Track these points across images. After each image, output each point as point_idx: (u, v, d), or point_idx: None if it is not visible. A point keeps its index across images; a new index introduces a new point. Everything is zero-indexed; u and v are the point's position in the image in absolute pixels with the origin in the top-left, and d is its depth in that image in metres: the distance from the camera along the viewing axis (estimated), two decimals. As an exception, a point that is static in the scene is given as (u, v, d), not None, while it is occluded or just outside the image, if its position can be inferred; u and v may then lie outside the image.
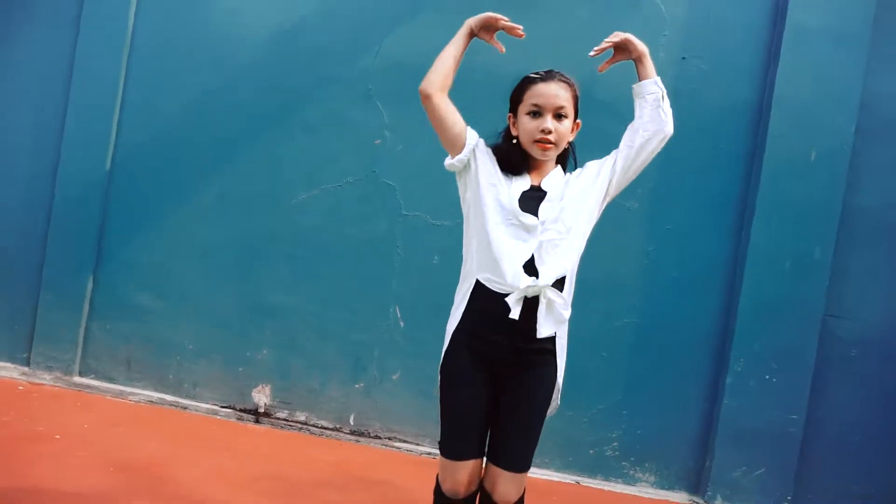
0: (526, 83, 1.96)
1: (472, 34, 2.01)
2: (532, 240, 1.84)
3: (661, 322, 3.60)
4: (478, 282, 1.87)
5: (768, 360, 3.48)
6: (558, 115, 1.89)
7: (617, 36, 1.98)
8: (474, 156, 1.95)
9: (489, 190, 1.90)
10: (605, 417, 3.60)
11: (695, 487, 3.59)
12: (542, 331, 1.83)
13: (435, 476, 1.98)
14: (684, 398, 3.60)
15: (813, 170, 3.47)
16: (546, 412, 1.91)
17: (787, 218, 3.46)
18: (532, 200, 1.88)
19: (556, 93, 1.89)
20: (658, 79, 1.97)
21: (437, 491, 1.96)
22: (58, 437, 3.08)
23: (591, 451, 3.62)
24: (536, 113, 1.89)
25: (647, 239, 3.60)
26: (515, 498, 1.88)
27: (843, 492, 3.54)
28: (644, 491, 3.58)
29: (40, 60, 3.84)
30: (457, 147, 1.95)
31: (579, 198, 1.90)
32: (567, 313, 1.89)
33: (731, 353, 3.50)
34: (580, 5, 3.65)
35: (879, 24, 3.48)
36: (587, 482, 3.58)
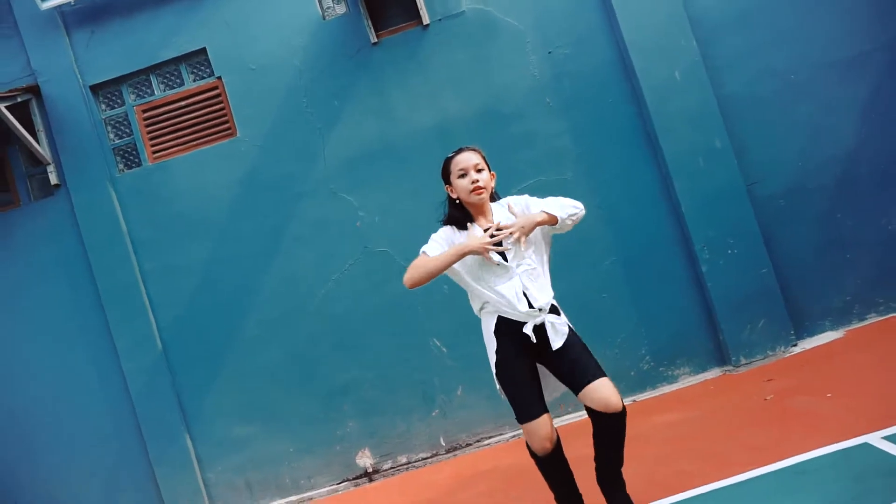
0: (448, 161, 2.69)
1: (464, 256, 2.53)
2: (514, 278, 2.55)
3: (634, 251, 4.36)
4: (500, 317, 2.59)
5: (724, 239, 4.26)
6: (479, 170, 2.63)
7: (514, 233, 2.49)
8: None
9: (470, 269, 2.57)
10: (630, 341, 4.34)
11: (721, 360, 4.34)
12: (555, 345, 2.53)
13: (525, 446, 2.64)
14: (680, 297, 4.35)
15: (682, 84, 4.30)
16: (581, 342, 2.60)
17: (683, 128, 4.27)
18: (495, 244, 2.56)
19: (469, 157, 2.64)
20: (558, 213, 2.56)
21: (533, 455, 2.62)
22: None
23: (632, 373, 4.35)
24: (463, 175, 2.62)
25: (589, 194, 4.35)
26: (617, 400, 2.48)
27: (827, 308, 4.32)
28: (686, 381, 4.32)
29: (69, 288, 4.52)
30: None
31: (530, 236, 2.59)
32: (566, 325, 2.60)
33: (696, 246, 4.27)
34: (458, 51, 4.45)
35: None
36: (641, 397, 4.30)
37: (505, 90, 4.43)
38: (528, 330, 2.54)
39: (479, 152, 2.67)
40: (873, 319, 4.30)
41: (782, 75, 4.36)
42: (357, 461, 4.41)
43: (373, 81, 4.45)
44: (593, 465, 2.62)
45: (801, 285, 4.33)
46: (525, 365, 2.59)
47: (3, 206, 4.64)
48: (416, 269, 2.57)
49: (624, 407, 2.50)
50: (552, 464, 2.59)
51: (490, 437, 4.36)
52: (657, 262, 4.37)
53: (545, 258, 2.68)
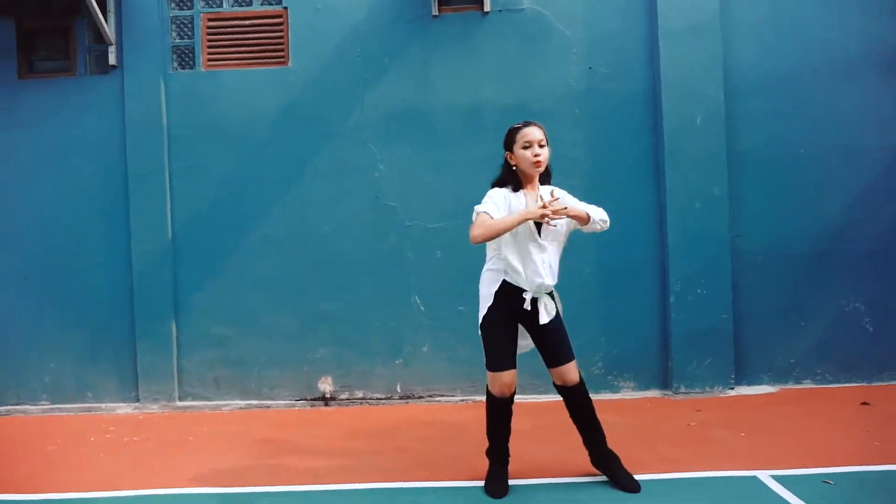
0: (514, 131, 3.01)
1: (526, 221, 2.83)
2: (542, 253, 2.94)
3: (615, 266, 4.74)
4: (504, 281, 2.98)
5: (698, 278, 4.64)
6: (542, 146, 2.97)
7: (564, 209, 2.81)
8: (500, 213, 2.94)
9: (515, 232, 2.92)
10: (588, 345, 4.73)
11: (663, 384, 4.74)
12: (542, 320, 2.96)
13: (484, 409, 3.07)
14: (643, 319, 4.74)
15: (701, 130, 4.64)
16: (563, 327, 3.04)
17: (690, 169, 4.62)
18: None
19: (536, 132, 2.98)
20: (593, 215, 2.96)
21: (490, 397, 3.05)
22: (191, 438, 4.13)
23: (582, 373, 4.74)
24: (528, 146, 2.96)
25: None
26: (575, 376, 3.03)
27: (769, 364, 4.72)
28: (627, 395, 4.73)
29: (100, 164, 4.87)
30: None
31: (561, 221, 2.96)
32: (555, 308, 3.02)
33: (670, 278, 4.65)
34: (509, 43, 4.76)
35: (724, 14, 4.67)
36: (584, 397, 4.71)
37: (540, 90, 4.75)
38: (526, 297, 2.94)
39: (543, 129, 2.99)
40: (808, 385, 4.70)
41: (792, 146, 4.70)
42: (319, 385, 4.82)
43: (424, 50, 4.76)
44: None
45: (753, 337, 4.71)
46: (509, 325, 3.00)
47: (60, 72, 4.96)
48: (483, 228, 2.79)
49: (581, 379, 3.07)
50: (501, 408, 3.04)
51: (442, 396, 4.77)
52: (632, 283, 4.74)
53: (561, 249, 3.07)
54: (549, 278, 2.98)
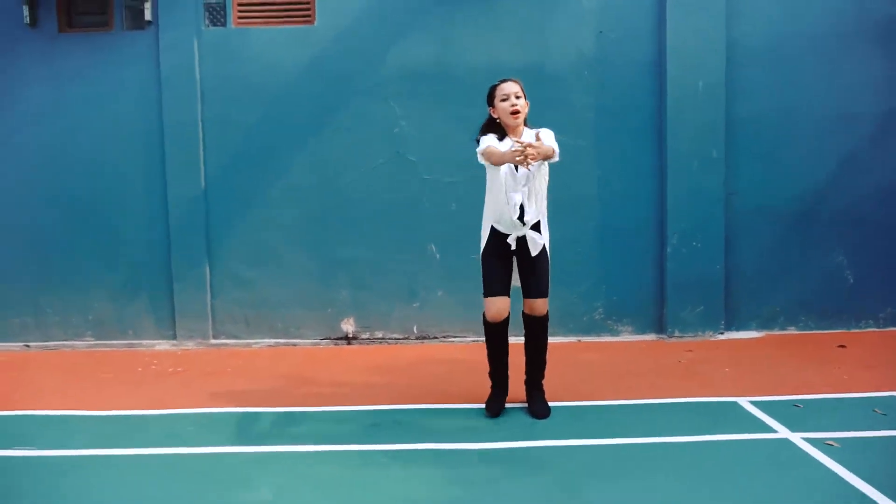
0: (494, 88, 3.42)
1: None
2: (517, 193, 3.28)
3: (616, 220, 5.11)
4: (492, 227, 3.38)
5: (694, 233, 5.02)
6: (517, 97, 3.34)
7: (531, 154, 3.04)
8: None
9: (502, 171, 3.31)
10: (590, 292, 5.15)
11: (659, 329, 5.17)
12: (532, 252, 3.34)
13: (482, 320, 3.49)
14: (642, 268, 5.14)
15: (702, 96, 4.95)
16: (547, 266, 3.41)
17: (690, 132, 4.95)
18: None
19: (512, 86, 3.35)
20: (556, 149, 3.26)
21: (485, 322, 3.46)
22: (228, 369, 4.57)
23: (584, 318, 5.18)
24: (505, 99, 3.34)
25: (595, 165, 5.08)
26: (545, 310, 3.42)
27: (757, 312, 5.14)
28: (626, 338, 5.16)
29: (137, 114, 5.19)
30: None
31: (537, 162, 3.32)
32: (542, 239, 3.37)
33: (668, 232, 5.03)
34: (529, 6, 5.03)
35: (731, -14, 4.96)
36: (585, 339, 5.15)
37: (554, 54, 5.05)
38: (510, 241, 3.34)
39: (520, 83, 3.38)
40: (791, 331, 5.14)
41: (787, 113, 5.03)
42: (341, 325, 5.24)
43: (446, 11, 5.03)
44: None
45: (742, 288, 5.12)
46: (502, 259, 3.40)
47: (97, 26, 5.23)
48: (493, 154, 3.21)
49: (546, 315, 3.43)
50: (495, 331, 3.45)
51: (455, 337, 5.20)
52: (631, 236, 5.12)
53: (544, 186, 3.42)
54: (529, 215, 3.30)
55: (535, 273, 3.39)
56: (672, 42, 4.92)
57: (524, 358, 3.53)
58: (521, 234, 3.35)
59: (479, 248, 3.48)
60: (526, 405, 3.53)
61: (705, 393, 3.71)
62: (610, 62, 5.04)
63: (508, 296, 3.43)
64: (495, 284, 3.40)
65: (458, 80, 5.06)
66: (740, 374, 4.08)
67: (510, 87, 3.34)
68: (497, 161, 3.22)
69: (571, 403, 3.60)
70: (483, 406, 3.55)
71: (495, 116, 3.40)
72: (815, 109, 5.02)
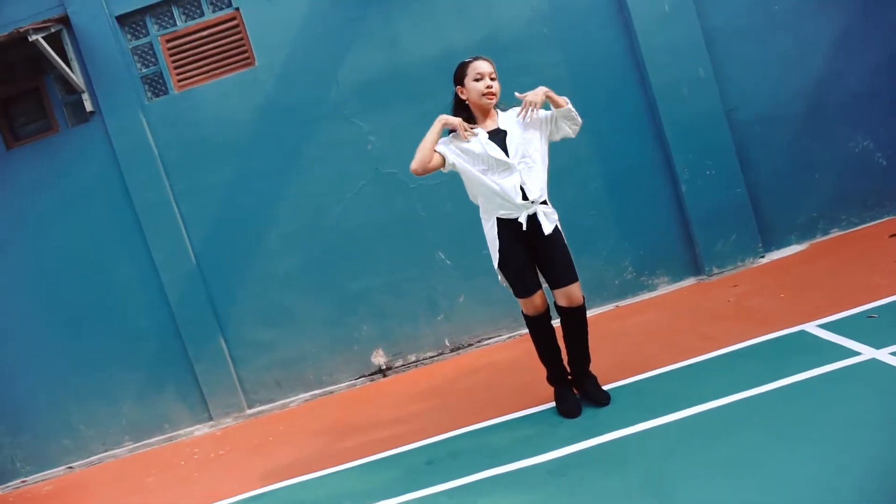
0: (465, 65, 3.07)
1: (443, 126, 3.04)
2: (514, 174, 2.97)
3: (619, 172, 4.80)
4: (498, 218, 3.04)
5: (703, 161, 4.69)
6: (493, 78, 3.02)
7: (534, 98, 2.92)
8: (451, 157, 3.04)
9: (470, 162, 3.01)
10: (614, 254, 4.84)
11: (696, 270, 4.85)
12: (546, 230, 3.01)
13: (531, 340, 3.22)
14: (661, 214, 4.82)
15: (671, 16, 4.61)
16: (565, 246, 3.11)
17: (669, 58, 4.61)
18: (497, 140, 3.02)
19: (486, 65, 3.03)
20: (569, 104, 2.99)
21: (526, 319, 3.19)
22: (270, 438, 4.36)
23: (616, 282, 4.88)
24: (479, 79, 3.01)
25: (584, 122, 4.74)
26: (580, 296, 3.11)
27: (793, 224, 4.80)
28: (664, 289, 4.85)
29: (106, 208, 4.99)
30: (443, 165, 3.08)
31: (531, 135, 3.03)
32: (555, 214, 3.07)
33: (677, 168, 4.71)
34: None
35: None
36: (623, 303, 4.85)
37: (505, 21, 4.74)
38: (521, 219, 2.99)
39: (493, 63, 3.05)
40: (835, 234, 4.78)
41: (764, 6, 4.66)
42: (372, 360, 5.00)
43: (382, 11, 4.75)
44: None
45: (771, 203, 4.78)
46: (522, 254, 3.06)
47: (43, 132, 5.04)
48: (417, 152, 2.97)
49: (584, 301, 3.11)
50: (539, 325, 3.17)
51: (489, 338, 4.94)
52: (640, 183, 4.81)
53: (544, 153, 3.08)
54: (534, 189, 2.98)
55: (557, 258, 3.06)
56: (623, -32, 4.59)
57: (564, 350, 3.25)
58: (530, 211, 3.01)
59: (493, 259, 3.15)
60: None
61: (767, 329, 3.40)
62: (566, 12, 4.72)
63: (541, 287, 3.14)
64: (524, 283, 3.09)
65: (413, 77, 4.78)
66: (797, 297, 3.76)
67: (485, 67, 3.00)
68: (427, 150, 2.95)
69: (627, 381, 3.32)
70: (538, 408, 3.29)
71: (464, 97, 3.07)
72: (792, -5, 4.65)
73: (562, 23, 4.73)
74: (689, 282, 4.84)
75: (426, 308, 4.95)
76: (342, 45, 4.80)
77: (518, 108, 3.05)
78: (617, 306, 4.83)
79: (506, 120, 3.08)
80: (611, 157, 4.79)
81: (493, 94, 3.01)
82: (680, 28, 4.61)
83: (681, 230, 4.83)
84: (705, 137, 4.67)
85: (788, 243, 4.83)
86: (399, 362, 5.01)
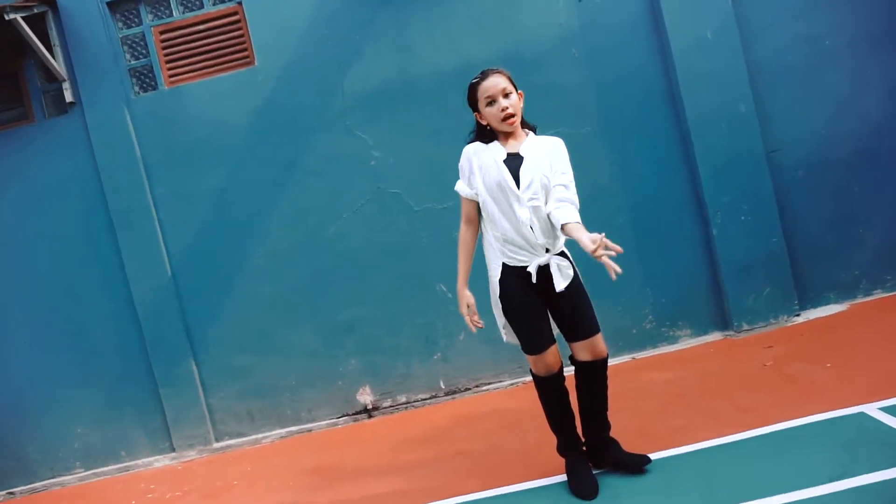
0: (473, 88, 2.65)
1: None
2: (523, 208, 2.51)
3: (647, 210, 4.35)
4: (504, 264, 2.60)
5: (739, 205, 4.25)
6: (506, 95, 2.58)
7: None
8: (472, 191, 2.65)
9: (485, 181, 2.58)
10: (634, 300, 4.37)
11: (724, 325, 4.38)
12: (558, 286, 2.51)
13: (529, 371, 2.75)
14: (688, 260, 4.36)
15: (713, 44, 4.20)
16: (585, 293, 2.65)
17: (709, 90, 4.20)
18: (513, 166, 2.56)
19: (496, 82, 2.58)
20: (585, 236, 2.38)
21: (536, 379, 2.71)
22: (236, 482, 3.84)
23: (633, 331, 4.40)
24: (492, 102, 2.58)
25: (608, 150, 4.34)
26: (605, 349, 2.64)
27: (833, 281, 4.33)
28: (686, 343, 4.37)
29: (80, 207, 4.53)
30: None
31: (546, 164, 2.56)
32: (571, 269, 2.59)
33: (709, 210, 4.26)
34: (484, -8, 4.34)
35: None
36: (640, 355, 4.37)
37: (530, 36, 4.34)
38: (531, 269, 2.55)
39: (505, 74, 2.61)
40: (879, 295, 4.32)
41: (815, 42, 4.26)
42: (357, 398, 4.50)
43: (395, 16, 4.35)
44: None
45: (809, 256, 4.33)
46: (531, 303, 2.60)
47: (18, 121, 4.60)
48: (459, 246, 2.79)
49: (607, 354, 2.66)
50: (551, 387, 2.69)
51: (489, 384, 4.44)
52: (668, 223, 4.36)
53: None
54: (548, 237, 2.56)
55: (575, 307, 2.61)
56: (664, -10, 4.19)
57: (578, 412, 2.76)
58: (542, 261, 2.58)
59: (494, 307, 2.72)
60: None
61: (818, 406, 2.91)
62: (598, 31, 4.32)
63: (555, 342, 2.68)
64: (535, 339, 2.62)
65: (425, 90, 4.35)
66: (848, 368, 3.28)
67: (494, 85, 2.56)
68: (459, 266, 2.80)
69: (653, 455, 2.82)
70: (545, 481, 2.79)
71: (484, 123, 2.66)
72: (847, 30, 4.25)
73: (591, 42, 4.32)
74: (715, 336, 4.36)
75: (422, 345, 4.47)
76: (350, 50, 4.39)
77: (554, 139, 2.66)
78: (634, 358, 4.34)
79: (532, 146, 2.63)
80: (637, 192, 4.34)
81: (513, 116, 2.57)
82: (721, 57, 4.20)
83: (709, 279, 4.37)
84: (742, 179, 4.23)
85: (826, 302, 4.36)
86: (387, 402, 4.50)
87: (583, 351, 2.63)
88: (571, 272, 2.60)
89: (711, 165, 4.24)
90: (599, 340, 2.63)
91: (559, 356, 2.69)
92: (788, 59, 4.28)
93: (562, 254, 2.64)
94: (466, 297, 2.74)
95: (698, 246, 4.36)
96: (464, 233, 2.76)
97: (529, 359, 2.69)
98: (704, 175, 4.25)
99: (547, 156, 2.60)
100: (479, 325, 2.72)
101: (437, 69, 4.34)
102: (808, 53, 4.27)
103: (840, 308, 4.28)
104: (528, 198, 2.54)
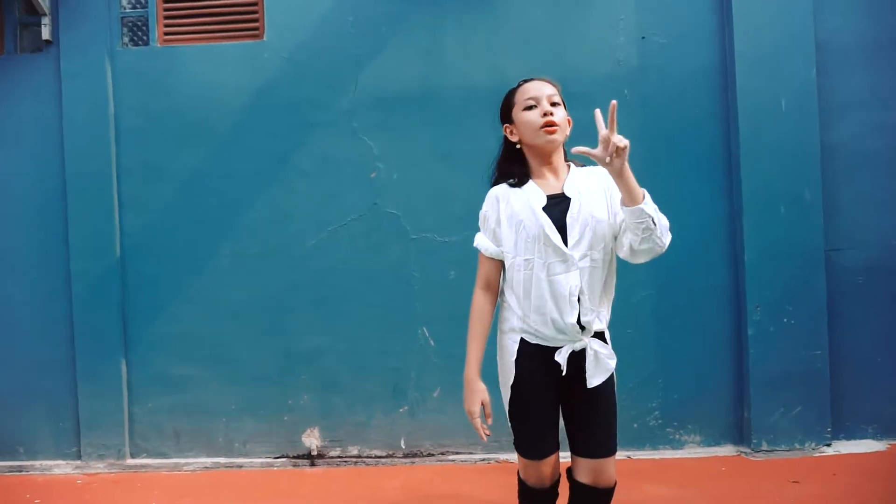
0: (512, 93, 2.07)
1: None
2: (572, 272, 1.89)
3: (675, 288, 3.75)
4: (523, 340, 1.98)
5: (783, 304, 3.64)
6: (553, 103, 1.98)
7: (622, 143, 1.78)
8: (497, 247, 2.04)
9: (513, 233, 1.97)
10: (642, 390, 3.74)
11: (739, 438, 3.74)
12: (593, 382, 1.92)
13: (515, 474, 2.13)
14: (712, 355, 3.74)
15: (786, 116, 3.63)
16: (614, 399, 2.03)
17: (773, 166, 3.62)
18: (557, 212, 1.94)
19: (541, 86, 2.00)
20: (646, 203, 1.83)
21: (522, 486, 2.09)
22: (131, 520, 3.17)
23: (634, 425, 3.76)
24: (532, 106, 1.97)
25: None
26: (614, 476, 2.01)
27: (876, 413, 3.70)
28: (692, 452, 3.72)
29: (33, 163, 3.93)
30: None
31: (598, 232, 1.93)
32: (613, 362, 1.96)
33: (748, 304, 3.65)
34: (538, 7, 3.79)
35: (819, -31, 3.67)
36: (637, 455, 3.72)
37: (580, 67, 3.77)
38: (560, 358, 1.93)
39: (556, 85, 2.01)
40: (925, 440, 3.69)
41: (902, 133, 3.69)
42: (303, 439, 3.84)
43: (428, 13, 3.79)
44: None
45: (853, 378, 3.70)
46: (548, 403, 2.00)
47: (-14, 49, 4.03)
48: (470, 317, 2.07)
49: (615, 482, 2.02)
50: (538, 499, 2.08)
51: (457, 454, 3.79)
52: (697, 309, 3.74)
53: (611, 264, 2.01)
54: (591, 309, 1.93)
55: (597, 415, 1.97)
56: (741, 45, 3.63)
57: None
58: (578, 346, 1.96)
59: (503, 395, 2.08)
60: None
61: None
62: (657, 75, 3.75)
63: (558, 448, 2.05)
64: (537, 440, 2.00)
65: (448, 104, 3.77)
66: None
67: (539, 88, 1.98)
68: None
69: None
70: None
71: (514, 140, 2.04)
72: (940, 131, 3.69)
73: (648, 86, 3.76)
74: (727, 450, 3.72)
75: (388, 393, 3.82)
76: (373, 44, 3.82)
77: (601, 168, 1.92)
78: (630, 457, 3.69)
79: (579, 181, 2.00)
80: (668, 266, 3.72)
81: (555, 126, 1.94)
82: (794, 132, 3.62)
83: (732, 383, 3.74)
84: (793, 275, 3.62)
85: (863, 435, 3.72)
86: (335, 452, 3.84)
87: (586, 472, 2.00)
88: (612, 366, 1.97)
89: (759, 252, 3.64)
90: (611, 465, 2.00)
91: (558, 467, 2.07)
92: (869, 148, 3.70)
93: (601, 335, 2.00)
94: (480, 391, 2.01)
95: (727, 342, 3.74)
96: (480, 302, 2.07)
97: (522, 463, 2.07)
98: (749, 262, 3.64)
99: (602, 192, 1.97)
100: (489, 434, 2.01)
101: (465, 82, 3.76)
102: (891, 145, 3.69)
103: (878, 446, 3.65)
104: (580, 255, 1.92)
